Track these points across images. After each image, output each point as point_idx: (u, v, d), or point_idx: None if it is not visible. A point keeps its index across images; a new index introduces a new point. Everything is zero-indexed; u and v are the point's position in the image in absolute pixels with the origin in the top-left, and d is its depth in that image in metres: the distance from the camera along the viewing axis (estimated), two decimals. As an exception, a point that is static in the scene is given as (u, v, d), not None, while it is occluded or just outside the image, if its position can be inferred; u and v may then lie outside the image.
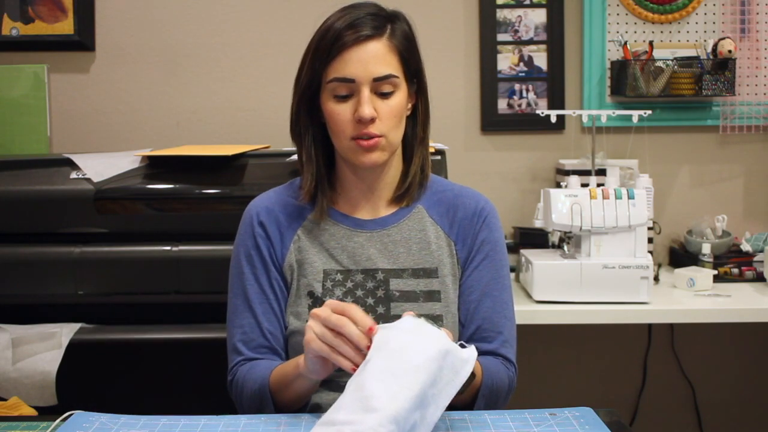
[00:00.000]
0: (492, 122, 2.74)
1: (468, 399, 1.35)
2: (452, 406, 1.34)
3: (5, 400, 1.68)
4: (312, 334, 1.18)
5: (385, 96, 1.37)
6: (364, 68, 1.35)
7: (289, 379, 1.29)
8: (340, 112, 1.37)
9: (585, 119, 2.71)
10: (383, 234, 1.44)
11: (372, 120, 1.35)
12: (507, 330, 1.47)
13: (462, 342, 1.22)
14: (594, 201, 2.19)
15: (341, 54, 1.35)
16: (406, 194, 1.46)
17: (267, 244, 1.44)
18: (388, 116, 1.37)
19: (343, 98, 1.37)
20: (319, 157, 1.45)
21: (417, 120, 1.46)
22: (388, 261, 1.43)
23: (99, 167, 2.13)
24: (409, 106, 1.45)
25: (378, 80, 1.35)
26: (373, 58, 1.35)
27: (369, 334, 1.14)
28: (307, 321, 1.39)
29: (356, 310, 1.16)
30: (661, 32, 2.72)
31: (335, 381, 1.36)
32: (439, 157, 2.12)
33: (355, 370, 1.13)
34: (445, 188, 1.51)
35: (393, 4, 1.48)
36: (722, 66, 2.61)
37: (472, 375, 1.26)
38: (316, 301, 1.41)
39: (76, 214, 2.09)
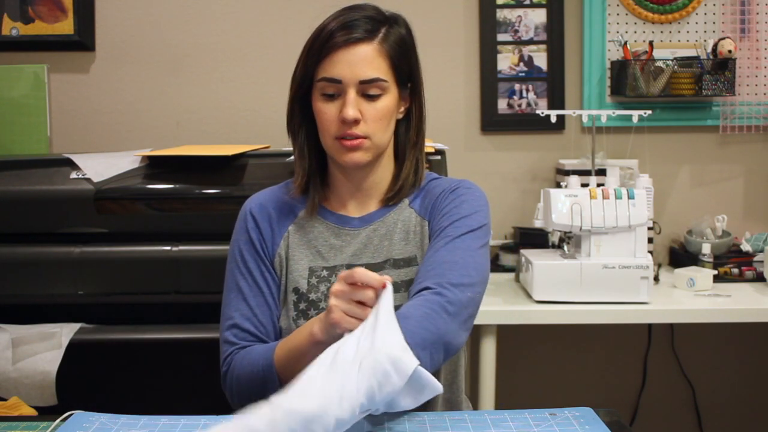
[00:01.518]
0: (492, 122, 2.74)
1: None
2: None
3: (5, 400, 1.68)
4: (340, 313, 1.19)
5: (371, 98, 1.39)
6: (351, 70, 1.37)
7: (303, 350, 1.28)
8: (326, 111, 1.40)
9: (585, 119, 2.71)
10: (369, 230, 1.46)
11: (356, 121, 1.38)
12: (445, 266, 1.32)
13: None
14: (594, 201, 2.19)
15: (330, 54, 1.38)
16: (396, 197, 1.48)
17: (259, 238, 1.47)
18: (373, 119, 1.39)
19: (331, 97, 1.40)
20: (312, 153, 1.48)
21: (410, 124, 1.48)
22: (372, 255, 1.45)
23: (99, 167, 2.13)
24: (402, 109, 1.47)
25: (364, 83, 1.38)
26: (361, 60, 1.37)
27: (383, 289, 1.17)
28: (294, 318, 1.42)
29: (365, 274, 1.18)
30: (661, 32, 2.72)
31: None
32: (439, 157, 2.12)
33: None
34: (428, 179, 1.53)
35: (393, 4, 1.48)
36: (722, 66, 2.61)
37: None
38: (301, 297, 1.43)
39: (76, 214, 2.09)
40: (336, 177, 1.49)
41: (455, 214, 1.41)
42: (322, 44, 1.38)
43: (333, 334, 1.21)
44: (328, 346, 1.16)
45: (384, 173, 1.48)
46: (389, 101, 1.41)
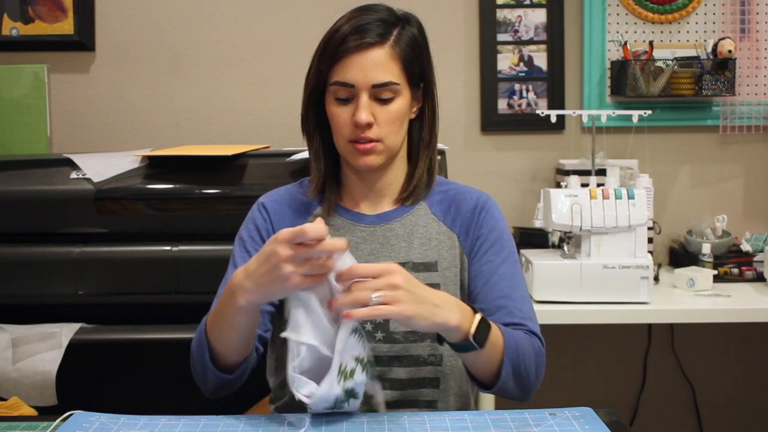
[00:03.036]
0: (492, 122, 2.74)
1: (494, 363, 1.30)
2: (477, 378, 1.32)
3: (5, 400, 1.68)
4: (299, 278, 1.16)
5: (384, 102, 1.39)
6: (363, 75, 1.37)
7: (229, 315, 1.27)
8: (339, 115, 1.40)
9: (585, 119, 2.71)
10: (386, 228, 1.46)
11: (369, 125, 1.38)
12: (526, 308, 1.45)
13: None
14: (594, 201, 2.19)
15: (343, 59, 1.38)
16: (410, 197, 1.49)
17: (267, 227, 1.47)
18: (386, 122, 1.40)
19: (344, 101, 1.40)
20: (328, 154, 1.48)
21: (423, 124, 1.49)
22: (389, 255, 1.45)
23: (99, 167, 2.13)
24: (415, 109, 1.48)
25: (377, 87, 1.38)
26: (374, 65, 1.37)
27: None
28: None
29: (317, 230, 1.14)
30: (661, 32, 2.72)
31: None
32: (439, 157, 2.12)
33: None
34: (447, 187, 1.54)
35: (394, 4, 1.48)
36: (722, 66, 2.61)
37: (487, 325, 1.26)
38: None
39: (76, 214, 2.09)
40: (349, 178, 1.49)
41: (504, 240, 1.49)
42: (335, 48, 1.38)
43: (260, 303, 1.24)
44: (252, 312, 1.25)
45: (397, 173, 1.49)
46: (402, 104, 1.41)
